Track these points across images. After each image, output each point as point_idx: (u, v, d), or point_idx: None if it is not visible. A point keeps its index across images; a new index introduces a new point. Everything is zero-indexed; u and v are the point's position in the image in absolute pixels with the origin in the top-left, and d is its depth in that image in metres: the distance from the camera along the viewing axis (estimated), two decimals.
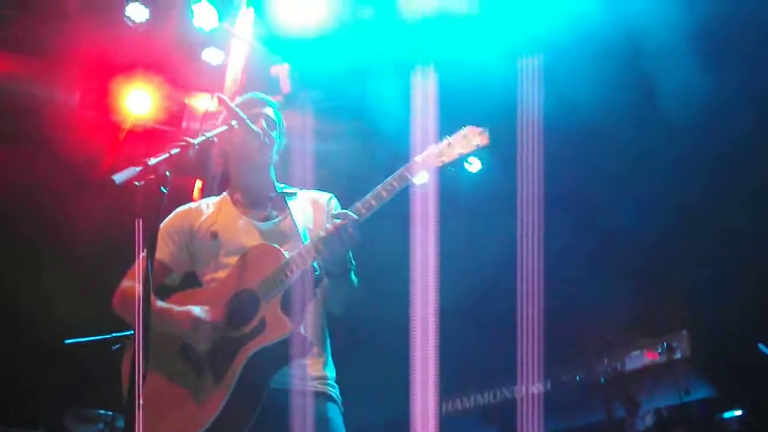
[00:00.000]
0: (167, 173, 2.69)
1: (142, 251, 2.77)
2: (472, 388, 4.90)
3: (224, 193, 3.27)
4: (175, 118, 6.35)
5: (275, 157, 3.24)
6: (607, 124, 5.43)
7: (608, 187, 5.62)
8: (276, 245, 2.88)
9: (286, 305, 2.77)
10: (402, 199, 3.12)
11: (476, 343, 5.77)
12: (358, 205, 2.81)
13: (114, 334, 4.73)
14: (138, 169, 2.65)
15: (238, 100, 3.30)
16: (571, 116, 5.50)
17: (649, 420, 4.64)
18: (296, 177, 3.51)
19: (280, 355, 2.73)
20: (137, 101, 6.43)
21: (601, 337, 5.01)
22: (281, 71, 5.91)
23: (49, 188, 6.89)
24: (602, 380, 4.43)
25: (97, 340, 4.84)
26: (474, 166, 6.37)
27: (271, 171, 3.23)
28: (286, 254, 2.82)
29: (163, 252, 3.09)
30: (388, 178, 2.81)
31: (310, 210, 3.13)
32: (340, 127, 6.38)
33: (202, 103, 6.32)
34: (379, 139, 6.43)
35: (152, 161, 2.67)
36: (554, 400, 4.61)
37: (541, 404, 4.63)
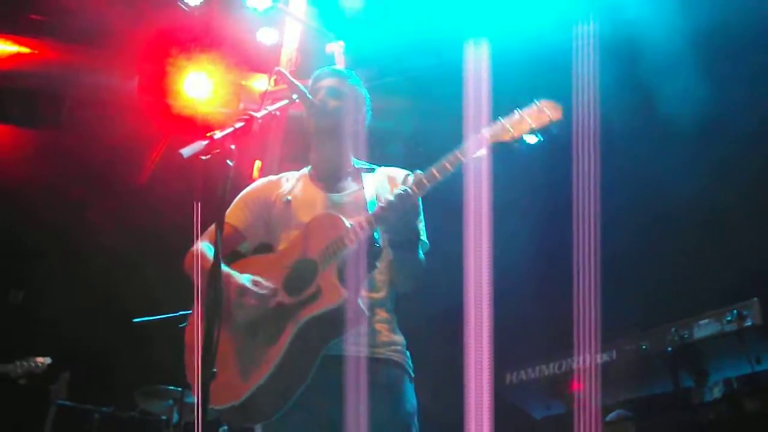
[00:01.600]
0: (232, 146, 2.75)
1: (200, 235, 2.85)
2: (535, 360, 4.87)
3: (305, 168, 3.30)
4: (233, 100, 6.42)
5: (352, 131, 3.22)
6: (672, 87, 5.30)
7: (672, 154, 5.51)
8: (339, 215, 2.88)
9: (342, 274, 2.77)
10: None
11: (540, 313, 5.75)
12: (421, 176, 2.78)
13: (181, 312, 4.85)
14: (204, 143, 2.71)
15: (313, 74, 3.30)
16: (630, 84, 5.40)
17: (717, 391, 4.55)
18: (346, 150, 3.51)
19: (333, 324, 2.74)
20: (194, 85, 6.52)
21: (669, 305, 4.95)
22: (336, 49, 5.91)
23: (112, 173, 7.06)
24: (669, 349, 4.34)
25: (165, 318, 4.97)
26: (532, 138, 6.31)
27: (346, 144, 3.21)
28: (347, 222, 2.82)
29: (238, 219, 3.15)
30: (454, 151, 2.76)
31: (386, 185, 3.11)
32: (396, 103, 6.37)
33: (258, 83, 6.38)
34: (434, 115, 6.40)
35: (217, 135, 2.73)
36: (619, 370, 4.55)
37: (605, 375, 4.59)
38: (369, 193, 3.03)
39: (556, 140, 2.86)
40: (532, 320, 5.57)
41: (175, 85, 6.53)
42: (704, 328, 4.28)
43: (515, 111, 2.77)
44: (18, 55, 6.63)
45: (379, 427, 2.74)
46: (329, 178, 3.17)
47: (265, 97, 5.81)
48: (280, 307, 2.82)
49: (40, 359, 5.59)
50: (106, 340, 6.50)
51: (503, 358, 5.23)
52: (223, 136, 2.72)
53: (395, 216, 2.73)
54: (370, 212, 2.85)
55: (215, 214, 2.67)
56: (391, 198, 2.74)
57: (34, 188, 7.05)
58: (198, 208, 3.05)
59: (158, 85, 6.61)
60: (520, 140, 2.75)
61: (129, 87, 6.71)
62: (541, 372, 4.83)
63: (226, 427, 5.30)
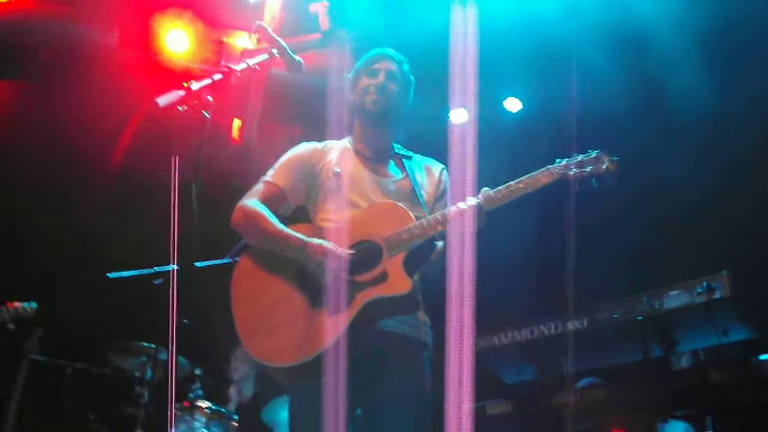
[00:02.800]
0: (209, 98, 2.74)
1: (177, 183, 2.86)
2: (508, 325, 4.91)
3: (346, 140, 3.37)
4: (214, 56, 6.35)
5: (399, 116, 3.34)
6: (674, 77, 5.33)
7: (655, 130, 5.53)
8: (402, 205, 3.06)
9: (408, 264, 2.97)
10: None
11: (514, 280, 5.78)
12: (491, 193, 2.98)
13: (156, 269, 4.84)
14: (181, 93, 2.70)
15: (368, 56, 3.39)
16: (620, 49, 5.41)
17: (685, 361, 4.63)
18: (334, 117, 3.52)
19: (393, 307, 2.97)
20: (175, 40, 6.45)
21: (640, 276, 4.99)
22: (320, 8, 5.86)
23: (91, 126, 6.97)
24: (640, 318, 4.40)
25: (140, 274, 4.95)
26: (515, 105, 6.33)
27: (393, 129, 3.35)
28: (413, 216, 3.01)
29: (285, 180, 3.25)
30: (524, 177, 2.99)
31: (425, 176, 3.31)
32: None
33: (240, 41, 6.31)
34: (418, 78, 6.37)
35: (195, 86, 2.72)
36: (591, 337, 4.61)
37: (577, 342, 4.64)
38: (412, 183, 3.22)
39: (541, 107, 2.97)
40: (506, 286, 5.60)
41: (156, 41, 6.46)
42: (674, 299, 4.35)
43: (578, 156, 3.01)
44: None
45: (409, 401, 2.99)
46: (373, 159, 3.30)
47: (246, 54, 5.76)
48: (347, 281, 2.97)
49: (24, 304, 5.57)
50: (80, 296, 6.46)
51: (476, 323, 5.29)
52: (200, 88, 2.74)
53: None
54: (422, 206, 3.12)
55: (192, 167, 2.67)
56: (466, 207, 2.94)
57: (12, 140, 6.96)
58: (175, 162, 3.03)
59: (139, 40, 6.53)
60: (578, 182, 3.01)
61: (109, 41, 6.62)
62: (513, 338, 4.88)
63: (198, 384, 5.33)
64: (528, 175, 2.99)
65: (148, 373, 5.39)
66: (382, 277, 2.95)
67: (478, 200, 2.96)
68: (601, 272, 5.30)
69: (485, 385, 5.12)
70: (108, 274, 5.08)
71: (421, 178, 3.28)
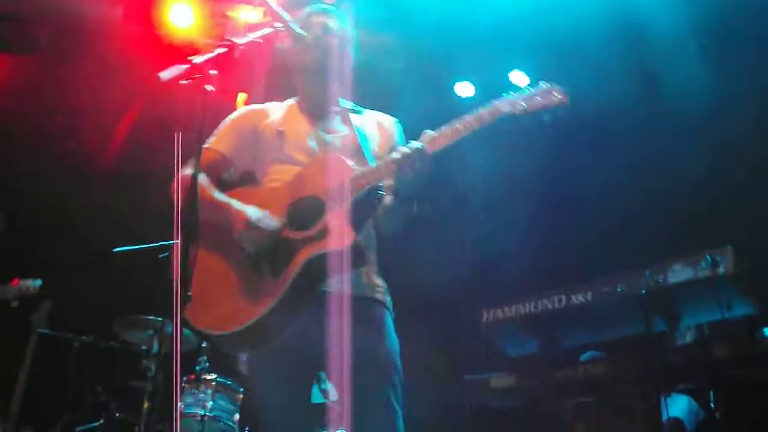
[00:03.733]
0: (213, 72, 2.72)
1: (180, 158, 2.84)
2: (512, 298, 4.92)
3: (291, 99, 3.29)
4: (218, 30, 6.33)
5: (341, 69, 3.20)
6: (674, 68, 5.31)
7: (654, 110, 5.51)
8: (345, 158, 2.92)
9: (350, 217, 2.82)
10: None
11: (518, 253, 5.80)
12: (435, 135, 2.84)
13: (161, 242, 4.85)
14: (184, 67, 2.68)
15: (302, 12, 3.28)
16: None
17: (689, 335, 4.64)
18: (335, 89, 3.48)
19: (337, 263, 2.80)
20: (179, 14, 6.43)
21: (644, 249, 4.99)
22: None
23: (96, 102, 6.97)
24: (643, 293, 4.39)
25: (145, 247, 4.97)
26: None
27: (334, 83, 3.20)
28: (355, 168, 2.87)
29: (226, 145, 3.15)
30: (467, 116, 2.83)
31: (375, 130, 3.17)
32: (385, 39, 6.30)
33: (245, 15, 6.28)
34: (422, 53, 6.36)
35: (198, 59, 2.70)
36: (595, 311, 4.61)
37: (581, 316, 4.65)
38: (359, 137, 3.07)
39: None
40: (510, 259, 5.63)
41: (159, 15, 6.44)
42: (678, 273, 4.33)
43: (527, 88, 2.85)
44: None
45: (368, 362, 2.84)
46: (318, 115, 3.18)
47: (250, 28, 5.72)
48: (285, 240, 2.87)
49: (29, 282, 5.60)
50: (87, 270, 6.50)
51: (482, 296, 5.33)
52: (204, 61, 2.70)
53: (410, 170, 2.79)
54: (369, 159, 2.93)
55: (195, 139, 2.66)
56: (408, 151, 2.79)
57: (15, 112, 6.96)
58: (178, 137, 3.03)
59: (143, 14, 6.51)
60: (528, 116, 2.83)
61: (113, 15, 6.60)
62: (517, 311, 4.89)
63: (205, 357, 5.37)
64: (472, 113, 2.83)
65: (155, 347, 5.43)
66: (323, 233, 2.82)
67: (421, 143, 2.81)
68: (605, 246, 5.31)
69: (489, 358, 5.17)
70: (113, 249, 5.11)
71: (372, 132, 3.15)
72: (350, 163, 2.89)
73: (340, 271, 2.81)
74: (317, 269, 2.81)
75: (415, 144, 2.81)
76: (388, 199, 2.94)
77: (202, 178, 2.98)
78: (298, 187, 2.95)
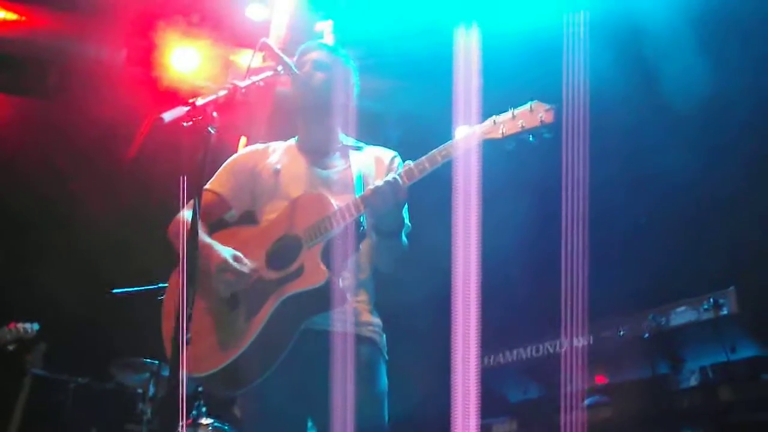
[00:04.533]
0: (215, 114, 2.74)
1: (186, 204, 2.84)
2: (514, 343, 4.89)
3: (292, 139, 3.29)
4: (220, 74, 6.39)
5: (339, 105, 3.20)
6: (673, 69, 5.29)
7: (656, 144, 5.51)
8: (327, 195, 2.90)
9: (326, 255, 2.79)
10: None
11: (519, 297, 5.76)
12: (412, 166, 2.80)
13: (160, 285, 4.84)
14: (186, 108, 2.69)
15: (299, 49, 3.29)
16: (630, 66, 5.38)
17: (694, 379, 4.59)
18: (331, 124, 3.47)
19: (315, 302, 2.77)
20: (182, 59, 6.49)
21: (646, 292, 4.96)
22: (325, 27, 5.89)
23: (98, 145, 7.01)
24: (646, 336, 4.37)
25: (143, 290, 4.95)
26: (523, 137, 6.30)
27: (333, 119, 3.20)
28: (335, 204, 2.84)
29: (224, 187, 3.16)
30: (445, 144, 2.78)
31: (372, 165, 3.12)
32: (384, 84, 6.36)
33: (246, 59, 6.35)
34: (424, 97, 6.39)
35: (200, 101, 2.71)
36: (597, 355, 4.57)
37: (583, 359, 4.61)
38: (355, 173, 3.04)
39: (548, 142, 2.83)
40: (512, 304, 5.58)
41: (162, 59, 6.50)
42: (681, 316, 4.31)
43: (510, 109, 2.77)
44: (5, 21, 6.58)
45: (357, 402, 2.77)
46: (316, 153, 3.17)
47: (251, 71, 5.79)
48: (261, 281, 2.85)
49: (27, 325, 5.58)
50: (83, 311, 6.47)
51: (481, 341, 5.27)
52: (206, 103, 2.72)
53: (383, 203, 2.75)
54: (357, 194, 2.87)
55: (195, 181, 2.66)
56: (380, 184, 2.75)
57: (19, 156, 6.99)
58: (183, 180, 3.03)
59: (146, 58, 6.57)
60: (510, 139, 2.76)
61: (117, 59, 6.67)
62: (518, 355, 4.85)
63: (202, 401, 5.31)
64: (451, 141, 2.76)
65: (151, 390, 5.37)
66: (299, 272, 2.78)
67: (393, 176, 2.75)
68: (606, 289, 5.27)
69: (490, 404, 5.10)
70: (112, 290, 5.10)
71: (369, 168, 3.09)
72: (332, 200, 2.86)
73: (318, 309, 2.78)
74: (294, 308, 2.78)
75: (389, 176, 2.78)
76: (372, 235, 2.92)
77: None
78: (281, 225, 2.94)
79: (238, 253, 2.88)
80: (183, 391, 2.44)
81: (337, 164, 3.14)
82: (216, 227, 3.10)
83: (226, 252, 2.87)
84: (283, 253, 2.86)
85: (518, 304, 5.73)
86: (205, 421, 5.14)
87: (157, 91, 6.56)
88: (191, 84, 6.50)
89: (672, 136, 5.39)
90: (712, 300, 4.21)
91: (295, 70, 3.13)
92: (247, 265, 2.86)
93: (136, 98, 6.67)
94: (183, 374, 2.44)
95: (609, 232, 5.33)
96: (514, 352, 4.87)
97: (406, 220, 3.01)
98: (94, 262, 6.58)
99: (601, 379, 4.79)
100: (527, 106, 2.75)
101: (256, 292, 2.83)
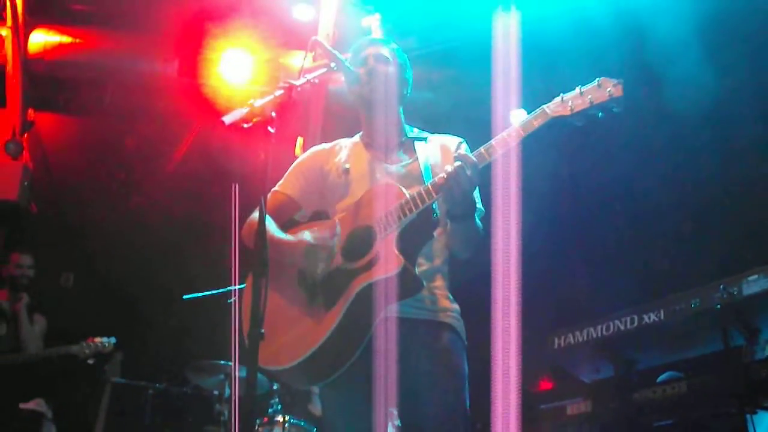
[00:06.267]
0: (273, 114, 2.78)
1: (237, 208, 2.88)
2: (584, 322, 4.83)
3: (356, 136, 3.31)
4: (272, 78, 6.46)
5: (400, 97, 3.22)
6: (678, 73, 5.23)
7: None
8: (399, 185, 2.91)
9: (401, 243, 2.80)
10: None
11: (587, 274, 5.72)
12: (481, 149, 2.82)
13: (228, 288, 4.93)
14: (245, 110, 2.74)
15: (351, 48, 3.31)
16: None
17: None
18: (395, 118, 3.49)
19: (389, 289, 2.77)
20: (233, 65, 6.58)
21: (716, 262, 4.87)
22: (373, 22, 5.91)
23: (156, 157, 7.18)
24: (718, 307, 4.26)
25: (213, 294, 5.06)
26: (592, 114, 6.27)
27: (396, 113, 3.22)
28: (407, 193, 2.85)
29: (293, 188, 3.20)
30: (513, 125, 2.79)
31: (438, 154, 3.13)
32: (434, 74, 6.36)
33: (297, 61, 6.41)
34: (473, 84, 6.37)
35: (258, 102, 2.76)
36: (669, 330, 4.49)
37: (655, 335, 4.54)
38: (423, 164, 3.05)
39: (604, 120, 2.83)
40: (579, 283, 5.54)
41: (213, 67, 6.61)
42: (753, 285, 4.18)
43: (576, 87, 2.79)
44: (61, 45, 6.77)
45: (436, 389, 2.82)
46: (383, 148, 3.18)
47: (304, 71, 5.86)
48: (338, 272, 2.87)
49: (104, 340, 5.77)
50: (155, 319, 6.64)
51: (551, 323, 5.25)
52: (264, 104, 2.76)
53: (456, 186, 2.75)
54: (427, 183, 2.87)
55: (259, 182, 2.70)
56: (450, 169, 2.76)
57: (80, 174, 7.21)
58: (236, 188, 3.08)
59: (198, 67, 6.68)
60: (579, 116, 2.77)
61: (170, 71, 6.80)
62: (588, 334, 4.79)
63: (277, 399, 5.40)
64: (520, 122, 2.77)
65: (227, 391, 5.48)
66: (374, 261, 2.79)
67: (462, 160, 2.75)
68: (675, 262, 5.20)
69: (564, 385, 5.07)
70: (183, 296, 5.21)
71: (435, 158, 3.09)
72: (402, 188, 2.87)
73: (395, 297, 2.78)
74: (371, 298, 2.78)
75: (458, 162, 2.78)
76: (446, 221, 2.93)
77: (267, 220, 2.96)
78: (354, 218, 2.96)
79: (318, 233, 2.91)
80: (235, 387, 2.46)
81: (403, 158, 3.15)
82: (288, 227, 3.12)
83: (306, 235, 2.91)
84: (357, 245, 2.88)
85: (589, 281, 5.69)
86: (281, 418, 5.22)
87: (210, 99, 6.68)
88: (244, 90, 6.59)
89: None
90: None
91: (349, 67, 3.16)
92: (331, 239, 2.89)
93: (190, 108, 6.81)
94: (255, 372, 2.49)
95: (675, 207, 5.26)
96: (585, 331, 4.81)
97: (479, 204, 3.03)
98: (159, 270, 6.74)
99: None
100: (594, 83, 2.76)
101: (333, 284, 2.86)
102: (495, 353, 3.42)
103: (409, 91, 3.29)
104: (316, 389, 5.38)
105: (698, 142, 5.44)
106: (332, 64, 3.12)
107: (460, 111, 6.46)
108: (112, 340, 5.78)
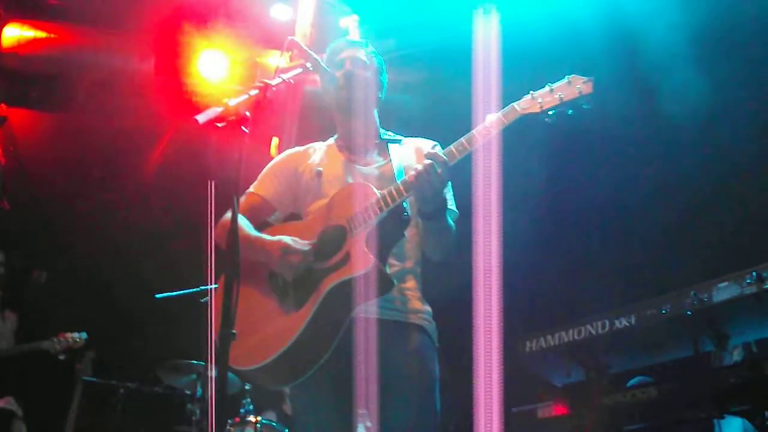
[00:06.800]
0: (247, 113, 2.77)
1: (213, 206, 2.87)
2: (555, 326, 4.86)
3: (331, 139, 3.31)
4: (248, 77, 6.44)
5: (375, 100, 3.24)
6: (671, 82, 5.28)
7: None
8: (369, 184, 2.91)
9: (371, 241, 2.81)
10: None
11: (558, 279, 5.75)
12: (451, 147, 2.83)
13: (202, 287, 4.91)
14: (219, 109, 2.73)
15: (328, 49, 3.31)
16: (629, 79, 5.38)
17: (737, 354, 4.53)
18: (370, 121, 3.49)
19: (361, 288, 2.77)
20: (209, 63, 6.56)
21: (688, 268, 4.92)
22: (350, 22, 5.91)
23: (130, 153, 7.12)
24: (688, 313, 4.31)
25: (186, 293, 5.03)
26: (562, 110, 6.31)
27: (371, 116, 3.23)
28: (377, 192, 2.86)
29: (267, 190, 3.20)
30: (483, 123, 2.80)
31: (413, 157, 3.14)
32: (411, 77, 6.37)
33: (273, 60, 6.40)
34: (450, 87, 6.39)
35: (232, 101, 2.75)
36: (640, 335, 4.53)
37: (626, 340, 4.58)
38: (396, 166, 3.06)
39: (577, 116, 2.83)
40: (551, 287, 5.57)
41: (190, 65, 6.57)
42: (723, 291, 4.23)
43: (546, 85, 2.80)
44: (35, 39, 6.70)
45: (406, 390, 2.83)
46: (357, 150, 3.19)
47: (280, 71, 5.86)
48: (309, 271, 2.88)
49: (75, 335, 5.73)
50: (127, 318, 6.58)
51: (522, 326, 5.27)
52: (238, 103, 2.75)
53: (426, 184, 2.76)
54: (398, 182, 2.88)
55: (232, 182, 2.69)
56: (420, 168, 2.77)
57: (54, 170, 7.13)
58: (211, 185, 3.07)
59: (174, 65, 6.64)
60: (549, 113, 2.78)
61: (145, 68, 6.75)
62: (560, 339, 4.82)
63: (249, 399, 5.38)
64: (489, 120, 2.78)
65: (199, 391, 5.45)
66: (345, 260, 2.80)
67: (433, 157, 2.77)
68: (646, 267, 5.24)
69: (535, 389, 5.10)
70: (155, 295, 5.18)
71: (409, 160, 3.09)
72: (373, 187, 2.88)
73: (366, 296, 2.78)
74: (341, 297, 2.79)
75: (428, 159, 2.78)
76: (418, 221, 2.95)
77: (241, 220, 3.00)
78: (325, 218, 2.97)
79: (293, 237, 2.92)
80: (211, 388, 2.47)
81: (377, 159, 3.16)
82: (262, 229, 3.13)
83: (283, 238, 2.91)
84: (328, 243, 2.89)
85: (559, 286, 5.72)
86: (253, 418, 5.20)
87: (186, 97, 6.64)
88: (220, 88, 6.56)
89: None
90: (755, 273, 4.13)
91: (326, 68, 3.15)
92: (306, 243, 2.89)
93: (166, 106, 6.77)
94: (226, 372, 2.48)
95: (649, 214, 5.30)
96: (556, 335, 4.84)
97: (452, 206, 3.04)
98: (133, 268, 6.69)
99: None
100: (565, 80, 2.78)
101: (303, 283, 2.87)
102: (477, 357, 3.43)
103: (383, 94, 3.30)
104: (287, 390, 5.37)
105: (676, 151, 5.49)
106: (308, 65, 3.12)
107: (439, 113, 6.47)
108: (83, 335, 5.75)
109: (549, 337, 4.87)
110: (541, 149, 5.64)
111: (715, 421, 4.16)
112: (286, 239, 2.91)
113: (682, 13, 5.12)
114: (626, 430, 4.54)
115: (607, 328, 4.64)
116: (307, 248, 2.89)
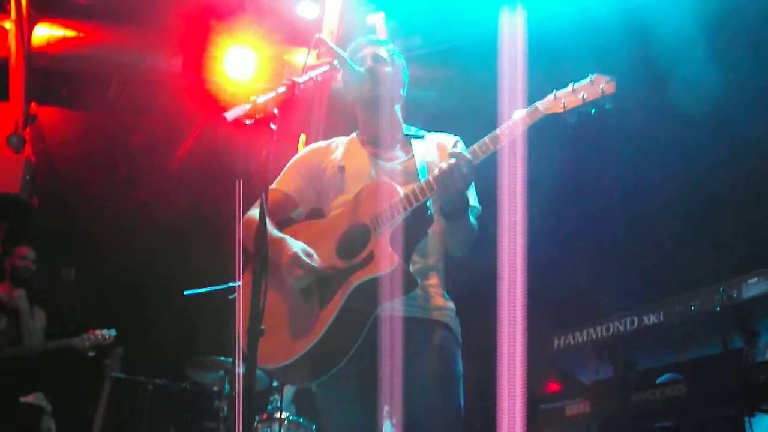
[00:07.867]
0: (275, 110, 2.78)
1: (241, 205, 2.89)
2: (584, 323, 4.83)
3: (353, 134, 3.32)
4: (276, 75, 6.47)
5: (398, 97, 3.25)
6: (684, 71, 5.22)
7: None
8: (393, 183, 2.91)
9: (394, 240, 2.81)
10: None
11: (586, 275, 5.72)
12: (475, 146, 2.83)
13: (230, 284, 4.94)
14: (247, 106, 2.75)
15: (351, 46, 3.31)
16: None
17: None
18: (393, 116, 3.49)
19: (385, 286, 2.77)
20: (237, 61, 6.59)
21: (716, 264, 4.87)
22: (377, 20, 5.92)
23: (159, 151, 7.18)
24: (717, 309, 4.26)
25: (214, 290, 5.07)
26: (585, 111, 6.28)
27: (394, 112, 3.23)
28: (401, 191, 2.86)
29: (290, 185, 3.20)
30: (507, 122, 2.80)
31: (435, 152, 3.13)
32: (438, 73, 6.36)
33: (300, 58, 6.42)
34: (476, 84, 6.37)
35: (260, 99, 2.76)
36: (669, 331, 4.49)
37: (654, 336, 4.54)
38: (419, 162, 3.05)
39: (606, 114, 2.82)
40: (580, 283, 5.53)
41: (217, 63, 6.61)
42: (753, 287, 4.18)
43: (570, 84, 2.79)
44: (65, 39, 6.78)
45: (429, 387, 2.83)
46: (379, 145, 3.19)
47: (308, 68, 5.88)
48: (333, 271, 2.88)
49: (105, 332, 5.80)
50: (155, 314, 6.65)
51: (552, 323, 5.25)
52: (266, 101, 2.76)
53: (451, 183, 2.76)
54: (422, 180, 2.88)
55: (261, 178, 2.71)
56: (444, 166, 2.77)
57: (83, 167, 7.21)
58: (239, 184, 3.09)
59: (201, 63, 6.69)
60: (572, 113, 2.77)
61: (173, 66, 6.81)
62: (588, 335, 4.79)
63: (276, 396, 5.41)
64: (513, 120, 2.78)
65: (227, 387, 5.49)
66: (369, 259, 2.80)
67: (456, 156, 2.76)
68: (673, 263, 5.19)
69: (563, 386, 5.07)
70: (184, 292, 5.22)
71: (432, 155, 3.09)
72: (397, 186, 2.88)
73: (390, 295, 2.78)
74: (365, 296, 2.79)
75: (452, 158, 2.78)
76: (441, 219, 2.93)
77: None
78: (349, 216, 2.96)
79: (309, 249, 2.92)
80: (239, 383, 2.48)
81: (400, 155, 3.16)
82: (284, 225, 3.14)
83: (297, 246, 2.91)
84: (352, 243, 2.89)
85: (588, 283, 5.68)
86: (280, 415, 5.23)
87: (213, 94, 6.69)
88: (247, 86, 6.60)
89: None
90: None
91: (353, 65, 3.16)
92: (317, 260, 2.90)
93: (193, 103, 6.82)
94: (254, 369, 2.49)
95: (677, 209, 5.25)
96: (585, 332, 4.80)
97: (474, 202, 3.04)
98: (162, 265, 6.75)
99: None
100: (587, 80, 2.76)
101: (328, 282, 2.87)
102: (500, 354, 3.42)
103: (405, 91, 3.31)
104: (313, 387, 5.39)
105: (701, 143, 5.44)
106: (335, 62, 3.12)
107: (465, 110, 6.46)
108: (113, 332, 5.82)
109: (578, 334, 4.83)
110: (566, 146, 5.61)
111: (746, 418, 4.11)
112: (298, 249, 2.90)
113: (696, 1, 5.07)
114: (655, 428, 4.50)
115: (635, 324, 4.60)
116: (317, 265, 2.88)
